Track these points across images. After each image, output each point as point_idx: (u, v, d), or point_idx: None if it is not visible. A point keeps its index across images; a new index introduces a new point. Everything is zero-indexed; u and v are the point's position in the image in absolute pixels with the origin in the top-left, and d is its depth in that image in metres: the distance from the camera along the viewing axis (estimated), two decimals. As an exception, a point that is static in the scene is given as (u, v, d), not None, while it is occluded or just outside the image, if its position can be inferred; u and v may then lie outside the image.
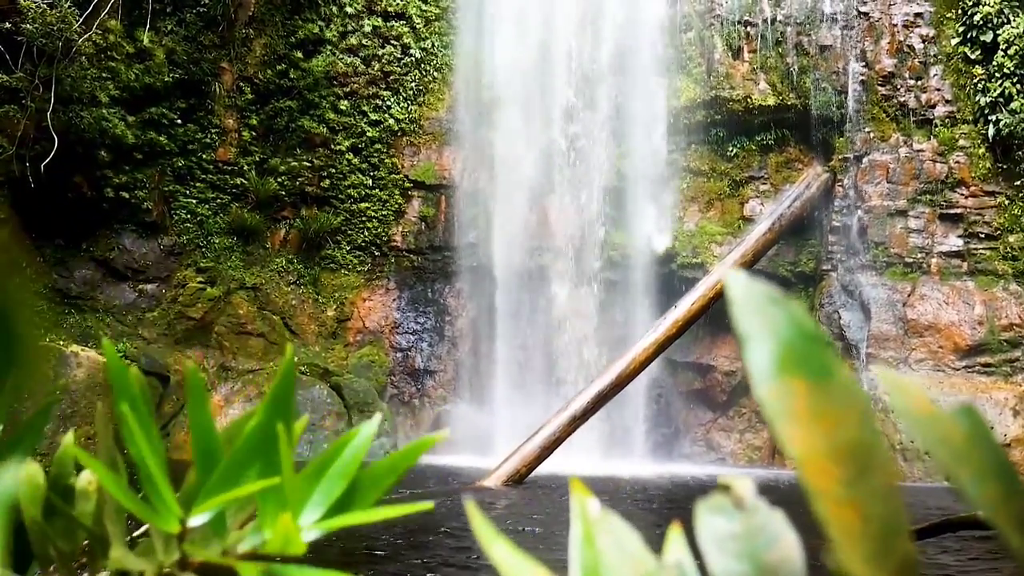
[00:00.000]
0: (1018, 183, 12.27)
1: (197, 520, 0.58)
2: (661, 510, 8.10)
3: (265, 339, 13.90)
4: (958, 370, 12.11)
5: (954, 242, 12.53)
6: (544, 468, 10.22)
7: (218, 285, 13.80)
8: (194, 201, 14.03)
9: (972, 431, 0.35)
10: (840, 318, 12.72)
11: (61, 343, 11.38)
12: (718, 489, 0.39)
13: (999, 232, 12.39)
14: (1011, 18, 12.05)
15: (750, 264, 12.63)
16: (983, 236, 12.44)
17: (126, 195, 13.26)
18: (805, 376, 0.32)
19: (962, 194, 12.53)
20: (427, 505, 0.58)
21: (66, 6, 11.11)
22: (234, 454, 0.54)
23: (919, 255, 12.59)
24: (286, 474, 0.52)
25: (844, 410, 0.31)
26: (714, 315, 12.97)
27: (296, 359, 10.96)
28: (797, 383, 0.32)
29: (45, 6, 11.02)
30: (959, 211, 12.52)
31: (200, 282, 13.69)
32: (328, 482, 0.58)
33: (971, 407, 0.37)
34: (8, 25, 11.12)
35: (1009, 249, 12.32)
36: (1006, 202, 12.37)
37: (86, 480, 0.66)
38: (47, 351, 10.98)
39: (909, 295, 12.45)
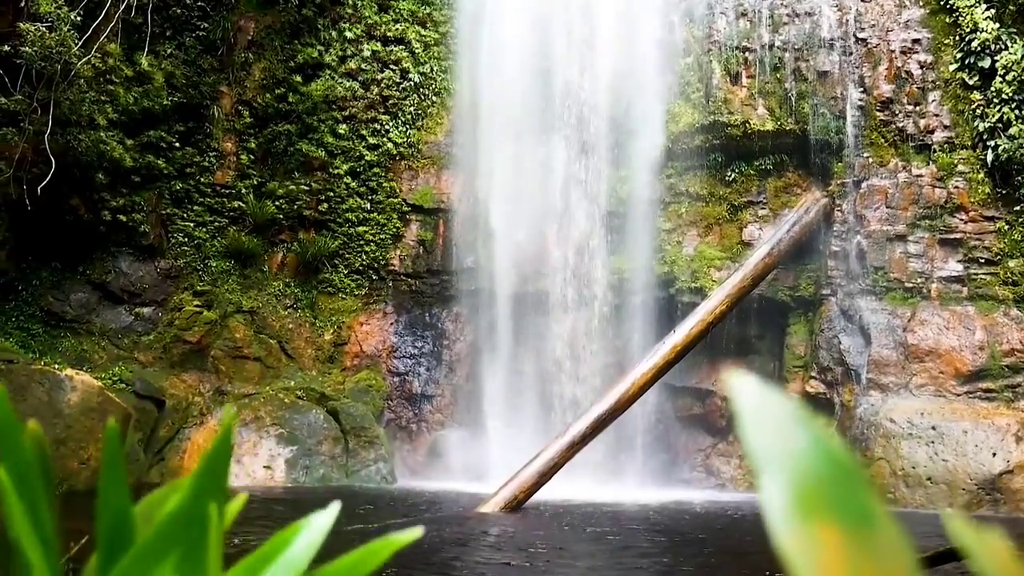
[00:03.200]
0: (1017, 208, 12.24)
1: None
2: (661, 539, 7.99)
3: (262, 363, 13.81)
4: (959, 395, 12.01)
5: (954, 267, 12.47)
6: (542, 494, 10.10)
7: (215, 309, 13.72)
8: (191, 224, 13.99)
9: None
10: (840, 343, 12.64)
11: (56, 367, 11.28)
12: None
13: (999, 257, 12.34)
14: (1008, 44, 12.07)
15: (749, 289, 12.57)
16: (983, 261, 12.39)
17: (123, 218, 13.22)
18: (838, 522, 0.24)
19: (961, 219, 12.49)
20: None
21: (65, 29, 11.12)
22: (149, 538, 0.45)
23: (919, 280, 12.53)
24: (213, 567, 0.43)
25: (890, 569, 0.24)
26: (713, 340, 12.89)
27: (292, 383, 10.91)
28: (828, 531, 0.24)
29: (44, 29, 11.02)
30: (959, 236, 12.47)
31: (197, 305, 13.62)
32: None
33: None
34: (7, 48, 11.12)
35: (1009, 274, 12.27)
36: (1006, 227, 12.33)
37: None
38: (41, 375, 10.88)
39: (909, 320, 12.38)
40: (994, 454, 11.17)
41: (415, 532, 0.50)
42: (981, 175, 12.40)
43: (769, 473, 0.25)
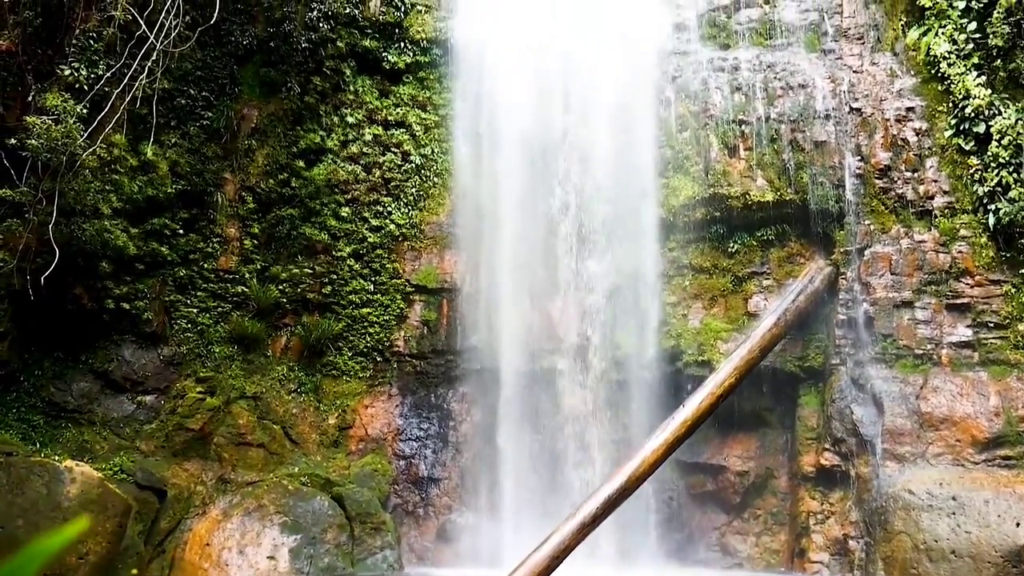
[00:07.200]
0: (1023, 271, 12.17)
1: None
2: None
3: (265, 449, 13.58)
4: (978, 464, 11.72)
5: (963, 332, 12.33)
6: (554, 578, 9.78)
7: (218, 395, 13.57)
8: (195, 310, 13.95)
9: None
10: (852, 413, 12.41)
11: (56, 458, 11.09)
12: None
13: (1008, 321, 12.21)
14: (1002, 109, 12.19)
15: (757, 360, 12.42)
16: (992, 325, 12.25)
17: (127, 306, 13.19)
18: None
19: (967, 284, 12.41)
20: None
21: (71, 122, 11.29)
22: None
23: (928, 346, 12.38)
24: None
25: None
26: (724, 414, 12.68)
27: (296, 469, 10.76)
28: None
29: (51, 122, 11.20)
30: (966, 300, 12.37)
31: (199, 392, 13.47)
32: None
33: None
34: (13, 141, 11.28)
35: (1019, 338, 12.12)
36: (1012, 290, 12.24)
37: None
38: (40, 467, 10.68)
39: (921, 387, 12.18)
40: (1018, 524, 10.83)
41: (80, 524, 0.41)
42: (984, 239, 12.37)
43: None
